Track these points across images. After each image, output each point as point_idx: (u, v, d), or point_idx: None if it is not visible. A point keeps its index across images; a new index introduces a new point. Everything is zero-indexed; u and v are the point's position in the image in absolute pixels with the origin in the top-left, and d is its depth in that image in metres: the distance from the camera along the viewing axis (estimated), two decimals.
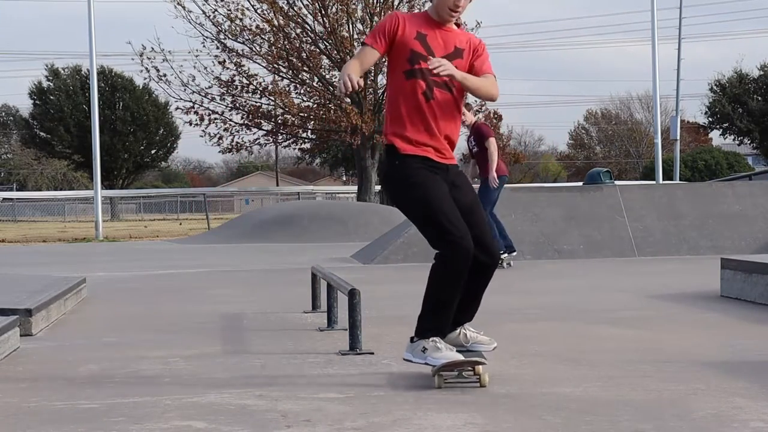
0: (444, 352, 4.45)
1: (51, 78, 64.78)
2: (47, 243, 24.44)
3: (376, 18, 32.44)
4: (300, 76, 33.72)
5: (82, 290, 8.82)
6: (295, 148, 39.72)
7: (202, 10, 32.51)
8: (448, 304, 4.51)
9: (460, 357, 4.45)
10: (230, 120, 33.66)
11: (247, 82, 33.32)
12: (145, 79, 33.96)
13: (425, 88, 4.58)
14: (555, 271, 11.40)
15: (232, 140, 34.04)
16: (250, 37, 32.67)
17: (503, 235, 11.86)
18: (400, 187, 4.59)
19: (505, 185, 12.23)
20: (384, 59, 4.74)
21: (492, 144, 11.62)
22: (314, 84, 33.66)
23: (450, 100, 4.64)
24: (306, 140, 35.54)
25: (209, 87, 33.24)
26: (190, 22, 32.67)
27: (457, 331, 4.75)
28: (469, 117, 11.32)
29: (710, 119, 62.01)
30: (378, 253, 13.27)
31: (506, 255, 11.83)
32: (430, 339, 4.47)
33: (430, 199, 4.49)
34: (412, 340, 4.54)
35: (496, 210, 12.06)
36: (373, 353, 5.39)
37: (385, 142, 4.65)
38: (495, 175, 11.52)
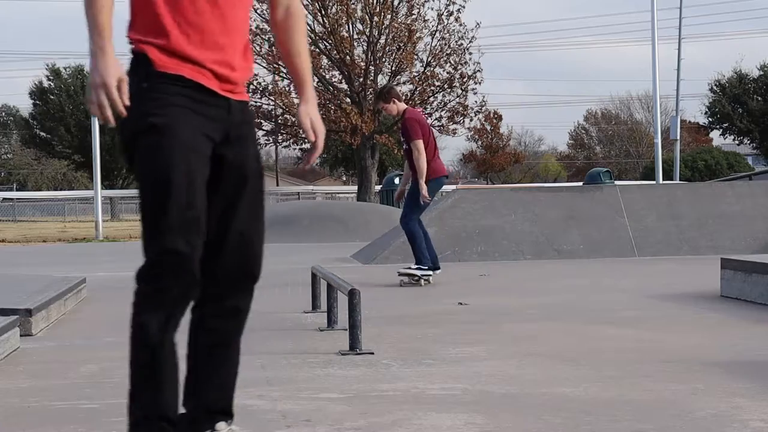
0: None
1: (52, 78, 64.74)
2: (47, 243, 24.43)
3: (375, 18, 32.45)
4: None
5: (82, 290, 8.81)
6: (295, 148, 39.84)
7: None
8: (154, 362, 2.77)
9: None
10: None
11: (248, 82, 33.35)
12: None
13: None
14: (555, 271, 11.39)
15: None
16: (250, 37, 32.70)
17: (430, 247, 9.59)
18: (135, 125, 2.79)
19: (501, 185, 12.04)
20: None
21: (416, 147, 9.32)
22: (314, 84, 33.70)
23: None
24: (306, 140, 35.50)
25: None
26: None
27: (220, 427, 2.98)
28: (394, 106, 9.59)
29: (710, 119, 62.04)
30: (378, 253, 13.27)
31: (431, 273, 9.54)
32: None
33: (165, 160, 2.75)
34: None
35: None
36: (373, 353, 5.38)
37: (133, 49, 2.87)
38: (423, 184, 9.29)
